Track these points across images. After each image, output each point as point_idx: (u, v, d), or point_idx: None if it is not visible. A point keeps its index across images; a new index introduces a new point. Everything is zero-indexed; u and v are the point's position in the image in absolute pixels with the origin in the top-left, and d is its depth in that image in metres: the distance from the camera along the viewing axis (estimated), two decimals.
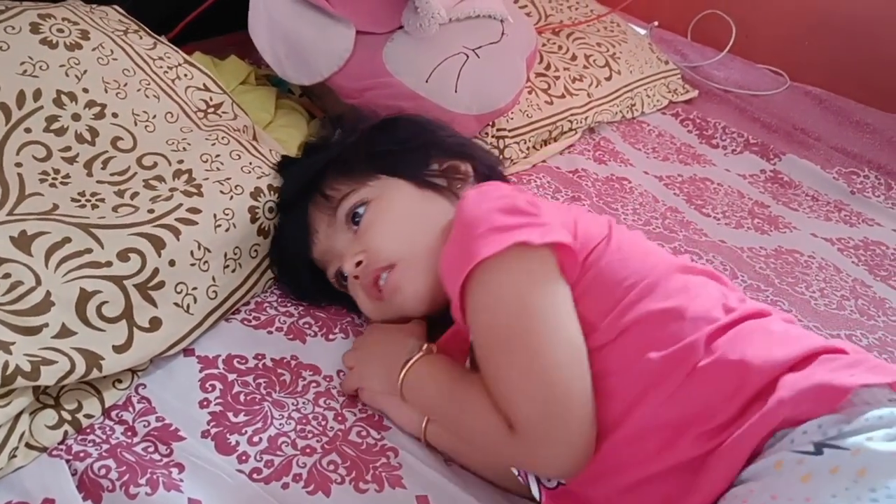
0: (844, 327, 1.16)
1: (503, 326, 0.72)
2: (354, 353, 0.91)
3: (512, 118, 1.38)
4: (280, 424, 0.82)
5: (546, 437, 0.67)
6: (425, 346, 0.83)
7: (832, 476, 0.57)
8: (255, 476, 0.77)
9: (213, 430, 0.80)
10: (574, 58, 1.61)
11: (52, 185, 0.87)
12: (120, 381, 0.82)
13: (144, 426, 0.79)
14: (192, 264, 0.87)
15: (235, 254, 0.93)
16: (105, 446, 0.76)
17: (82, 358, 0.76)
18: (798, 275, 1.28)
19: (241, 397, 0.84)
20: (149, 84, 1.02)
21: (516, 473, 0.80)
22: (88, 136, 0.92)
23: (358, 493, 0.77)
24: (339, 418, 0.85)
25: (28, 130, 0.89)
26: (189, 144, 0.98)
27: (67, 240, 0.80)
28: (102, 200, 0.88)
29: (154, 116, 0.99)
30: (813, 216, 1.47)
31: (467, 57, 1.24)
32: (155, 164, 0.94)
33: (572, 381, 0.68)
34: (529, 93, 1.44)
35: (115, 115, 0.95)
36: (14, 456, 0.72)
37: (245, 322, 0.94)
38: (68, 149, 0.91)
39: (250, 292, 0.96)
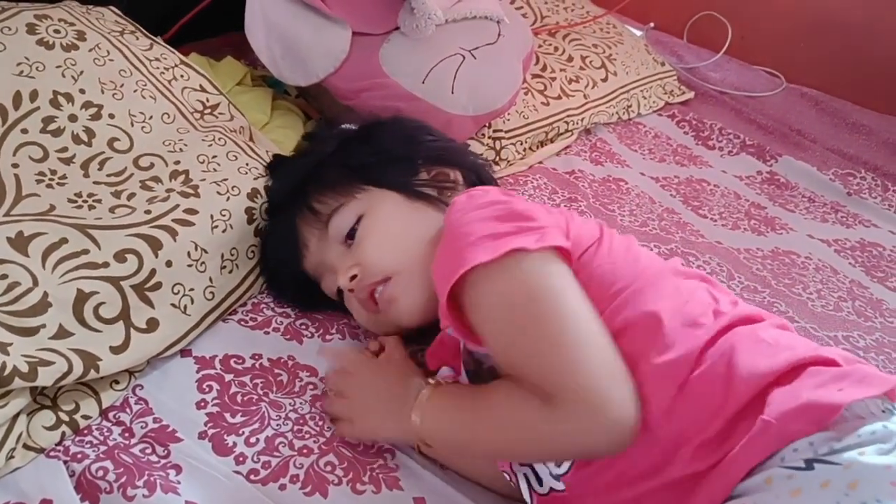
0: (841, 329, 1.16)
1: (519, 314, 0.71)
2: (344, 381, 0.85)
3: (508, 119, 1.38)
4: (277, 425, 0.82)
5: (590, 398, 0.65)
6: (429, 381, 0.81)
7: (823, 490, 0.56)
8: (252, 477, 0.77)
9: (211, 432, 0.80)
10: (570, 59, 1.61)
11: (49, 185, 0.87)
12: (117, 382, 0.82)
13: (142, 427, 0.79)
14: (189, 265, 0.87)
15: (232, 254, 0.93)
16: (102, 448, 0.76)
17: (80, 359, 0.75)
18: (795, 276, 1.28)
19: (238, 398, 0.84)
20: (145, 85, 1.02)
21: (508, 479, 0.79)
22: (85, 137, 0.92)
23: (355, 495, 0.77)
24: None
25: (25, 131, 0.89)
26: (186, 145, 0.98)
27: (64, 241, 0.80)
28: (99, 201, 0.87)
29: (150, 117, 0.99)
30: (809, 217, 1.47)
31: (464, 58, 1.24)
32: (151, 165, 0.94)
33: (604, 346, 0.68)
34: (526, 94, 1.44)
35: (111, 116, 0.95)
36: (12, 457, 0.72)
37: (242, 323, 0.94)
38: (65, 150, 0.91)
39: (247, 293, 0.96)
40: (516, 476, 0.77)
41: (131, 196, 0.89)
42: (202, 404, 0.83)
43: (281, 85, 1.36)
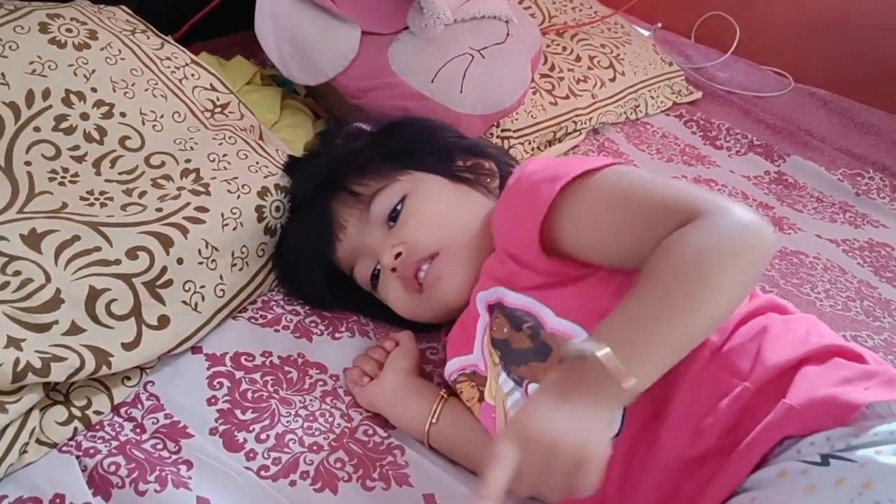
0: (850, 328, 1.16)
1: (625, 200, 0.73)
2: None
3: (517, 119, 1.38)
4: (287, 422, 0.83)
5: (717, 202, 0.67)
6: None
7: (837, 488, 0.56)
8: (262, 473, 0.77)
9: (221, 428, 0.81)
10: (578, 59, 1.61)
11: (61, 183, 0.88)
12: (129, 379, 0.82)
13: (153, 423, 0.80)
14: (200, 262, 0.88)
15: (243, 252, 0.93)
16: (114, 443, 0.77)
17: (92, 355, 0.76)
18: (803, 276, 1.28)
19: (249, 395, 0.85)
20: (156, 84, 1.02)
21: None
22: (97, 136, 0.93)
23: (365, 491, 0.77)
24: (346, 416, 0.85)
25: (37, 129, 0.90)
26: (196, 144, 0.98)
27: (77, 238, 0.81)
28: (111, 199, 0.88)
29: (162, 116, 0.99)
30: (818, 217, 1.47)
31: (472, 57, 1.24)
32: (163, 164, 0.94)
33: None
34: (534, 94, 1.44)
35: (123, 115, 0.96)
36: (25, 451, 0.73)
37: (252, 320, 0.94)
38: (77, 148, 0.91)
39: (257, 290, 0.96)
40: None
41: (143, 194, 0.90)
42: (213, 401, 0.83)
43: (290, 84, 1.36)
